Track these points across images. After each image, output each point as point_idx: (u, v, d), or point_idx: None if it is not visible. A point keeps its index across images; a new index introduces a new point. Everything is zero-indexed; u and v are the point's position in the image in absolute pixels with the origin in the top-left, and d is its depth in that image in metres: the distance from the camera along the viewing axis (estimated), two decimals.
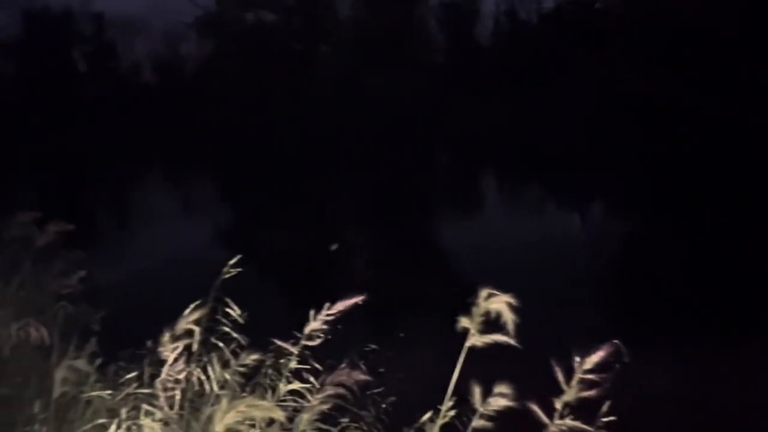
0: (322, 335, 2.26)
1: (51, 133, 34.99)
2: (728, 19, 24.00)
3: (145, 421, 2.10)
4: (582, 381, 1.92)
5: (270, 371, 2.51)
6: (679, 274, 9.45)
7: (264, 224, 15.81)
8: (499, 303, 2.22)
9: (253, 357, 2.46)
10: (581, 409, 1.96)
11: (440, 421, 2.11)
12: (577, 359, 2.00)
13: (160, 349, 2.40)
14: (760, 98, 21.12)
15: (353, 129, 32.54)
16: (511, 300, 2.20)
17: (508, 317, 2.21)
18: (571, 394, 1.91)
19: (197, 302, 2.31)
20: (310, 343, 2.26)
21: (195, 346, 2.26)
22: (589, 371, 1.93)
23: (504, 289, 2.28)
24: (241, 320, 2.40)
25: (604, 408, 1.90)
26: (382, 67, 37.95)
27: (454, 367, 2.27)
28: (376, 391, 2.99)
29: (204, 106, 38.03)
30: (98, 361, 3.44)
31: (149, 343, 3.84)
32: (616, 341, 1.89)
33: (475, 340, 2.17)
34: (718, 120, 22.16)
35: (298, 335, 2.33)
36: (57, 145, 33.15)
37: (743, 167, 17.93)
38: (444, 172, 25.85)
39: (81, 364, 3.50)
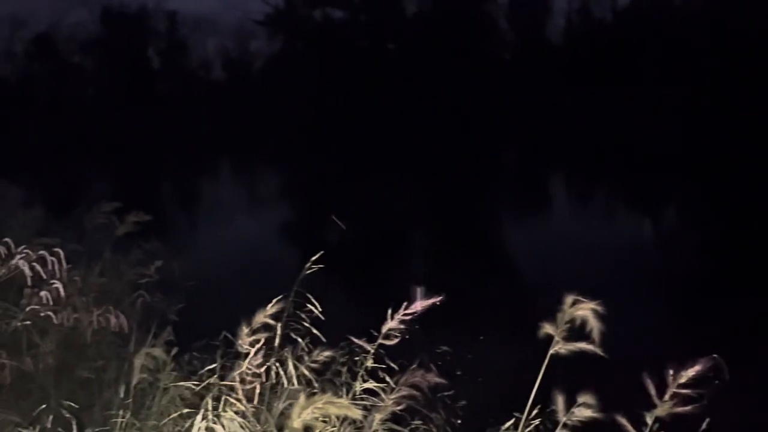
0: (398, 335, 2.22)
1: (128, 126, 36.37)
2: None
3: (226, 414, 2.12)
4: (676, 395, 1.82)
5: (345, 369, 2.49)
6: (761, 282, 8.98)
7: (333, 219, 15.93)
8: (584, 310, 2.13)
9: (328, 353, 2.45)
10: (674, 426, 1.86)
11: (521, 430, 2.05)
12: (671, 372, 1.89)
13: (239, 341, 2.42)
14: None
15: (423, 126, 32.48)
16: (598, 307, 2.11)
17: (594, 325, 2.13)
18: (664, 408, 1.81)
19: (278, 297, 2.31)
20: (387, 342, 2.23)
21: (277, 341, 2.27)
22: (685, 386, 1.82)
23: (581, 294, 2.19)
24: (321, 316, 2.39)
25: (704, 426, 1.78)
26: (451, 64, 37.70)
27: (534, 374, 2.20)
28: (447, 393, 2.94)
29: (273, 102, 38.76)
30: (174, 350, 3.52)
31: (223, 335, 3.92)
32: (715, 356, 1.78)
33: (560, 347, 2.09)
34: None
35: (375, 333, 2.31)
36: (134, 139, 34.45)
37: None
38: (518, 173, 25.48)
39: (158, 352, 3.60)
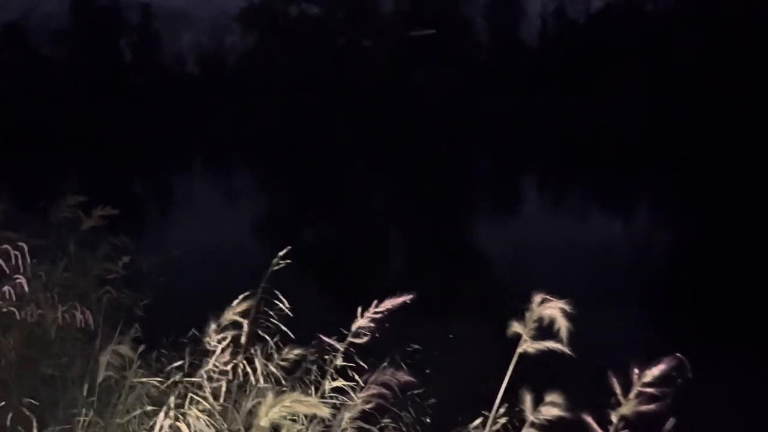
0: (368, 333, 2.21)
1: (98, 119, 35.76)
2: None
3: (191, 411, 2.08)
4: (641, 394, 1.84)
5: (314, 367, 2.47)
6: (730, 282, 9.16)
7: (306, 217, 15.90)
8: (553, 309, 2.15)
9: (297, 352, 2.43)
10: (639, 425, 1.88)
11: (489, 428, 2.05)
12: (636, 371, 1.92)
13: (207, 339, 2.38)
14: None
15: (396, 124, 32.50)
16: (566, 306, 2.13)
17: (562, 324, 2.14)
18: (628, 407, 1.82)
19: (245, 293, 2.28)
20: (357, 341, 2.22)
21: (243, 339, 2.24)
22: (649, 384, 1.84)
23: (552, 294, 2.21)
24: (289, 314, 2.37)
25: (668, 425, 1.81)
26: (427, 62, 37.80)
27: (501, 372, 2.21)
28: (417, 392, 2.93)
29: (247, 97, 38.44)
30: (141, 347, 3.46)
31: (192, 332, 3.87)
32: (678, 354, 1.80)
33: (527, 346, 2.10)
34: None
35: (344, 332, 2.30)
36: (102, 132, 33.87)
37: None
38: (489, 172, 25.63)
39: (124, 349, 3.54)
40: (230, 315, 2.40)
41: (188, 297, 5.53)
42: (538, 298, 2.14)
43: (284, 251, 2.31)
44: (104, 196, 5.62)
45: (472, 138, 32.41)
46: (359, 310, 2.23)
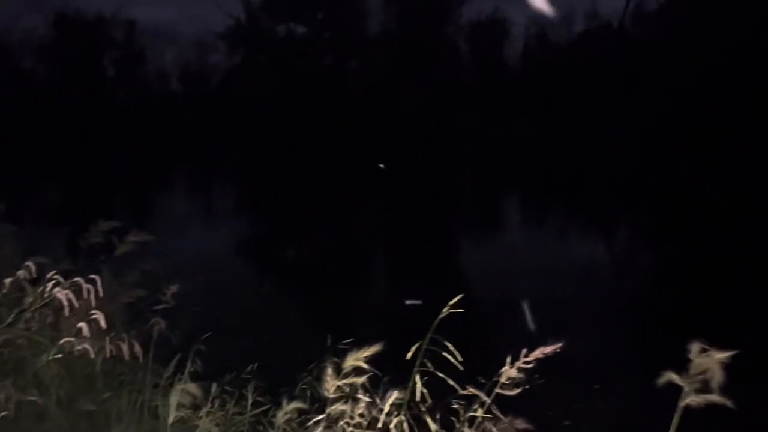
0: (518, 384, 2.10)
1: (81, 136, 35.25)
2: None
3: None
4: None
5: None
6: (712, 302, 9.23)
7: (289, 239, 15.74)
8: (712, 360, 2.07)
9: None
10: None
11: None
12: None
13: (326, 385, 2.26)
14: None
15: (381, 145, 32.54)
16: (727, 356, 2.05)
17: (718, 376, 2.07)
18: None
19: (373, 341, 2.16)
20: (506, 392, 2.11)
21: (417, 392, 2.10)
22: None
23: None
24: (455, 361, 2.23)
25: None
26: (412, 84, 38.02)
27: None
28: None
29: (232, 116, 38.24)
30: (214, 387, 3.31)
31: (253, 367, 3.72)
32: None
33: (692, 399, 2.01)
34: (748, 147, 21.93)
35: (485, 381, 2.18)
36: (87, 148, 33.37)
37: None
38: (471, 194, 25.72)
39: (193, 387, 3.38)
40: (352, 361, 2.28)
41: (226, 328, 5.35)
42: (696, 346, 2.06)
43: (454, 300, 2.19)
44: (98, 214, 5.50)
45: (454, 160, 32.60)
46: (508, 359, 2.12)
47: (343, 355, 2.26)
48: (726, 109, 24.65)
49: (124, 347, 4.18)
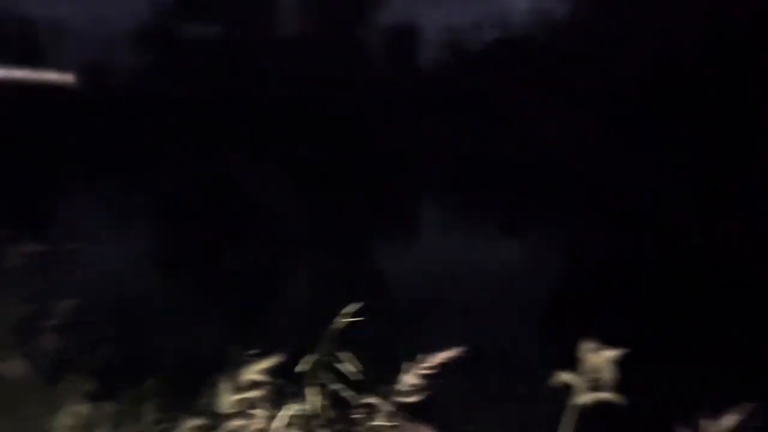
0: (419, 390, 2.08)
1: None
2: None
3: None
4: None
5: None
6: (626, 302, 9.68)
7: (205, 246, 15.28)
8: (602, 358, 2.13)
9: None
10: None
11: None
12: (705, 422, 1.92)
13: (222, 399, 2.17)
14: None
15: (301, 148, 32.22)
16: (617, 354, 2.11)
17: (610, 373, 2.13)
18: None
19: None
20: (406, 400, 2.08)
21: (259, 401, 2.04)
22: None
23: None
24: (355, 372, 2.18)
25: None
26: (327, 87, 37.89)
27: None
28: None
29: (136, 116, 36.81)
30: (111, 405, 3.12)
31: (151, 383, 3.54)
32: (750, 403, 1.83)
33: (583, 398, 2.06)
34: (657, 150, 23.05)
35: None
36: None
37: (689, 195, 18.61)
38: (394, 196, 25.86)
39: (86, 408, 3.18)
40: (249, 374, 2.20)
41: (125, 340, 5.08)
42: (588, 345, 2.11)
43: (352, 307, 2.14)
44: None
45: (365, 163, 32.73)
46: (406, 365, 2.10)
47: (246, 367, 2.18)
48: (636, 112, 25.83)
49: (11, 366, 3.90)
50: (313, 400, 2.06)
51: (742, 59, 21.37)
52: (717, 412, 1.87)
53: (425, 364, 2.09)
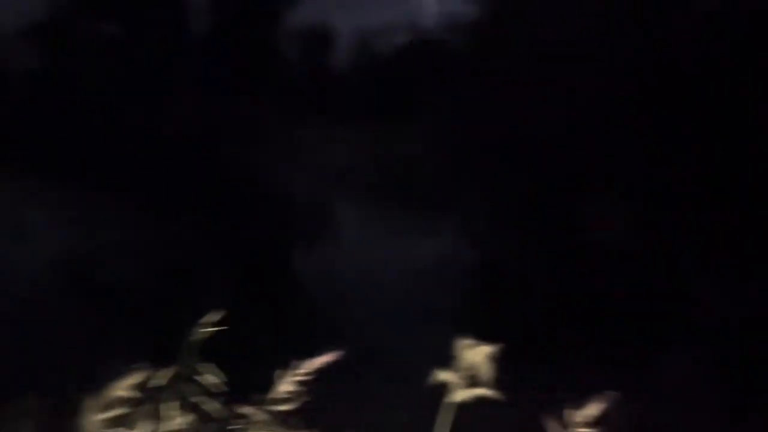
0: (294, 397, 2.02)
1: None
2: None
3: None
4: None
5: None
6: (542, 302, 9.96)
7: (107, 246, 14.61)
8: (480, 354, 2.15)
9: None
10: None
11: None
12: (569, 411, 1.97)
13: (89, 419, 2.04)
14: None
15: (205, 150, 31.41)
16: (493, 350, 2.14)
17: (487, 370, 2.16)
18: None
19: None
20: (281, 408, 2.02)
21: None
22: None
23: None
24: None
25: None
26: (233, 88, 37.17)
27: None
28: None
29: (33, 120, 34.82)
30: None
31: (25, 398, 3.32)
32: (613, 392, 1.89)
33: (459, 395, 2.07)
34: (563, 151, 23.88)
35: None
36: None
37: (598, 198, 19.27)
38: (305, 200, 25.57)
39: None
40: (117, 390, 2.08)
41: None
42: (465, 342, 2.13)
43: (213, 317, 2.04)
44: None
45: (283, 165, 32.33)
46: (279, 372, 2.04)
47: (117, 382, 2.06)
48: (543, 115, 26.63)
49: None
50: (170, 416, 1.97)
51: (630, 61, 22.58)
52: (581, 402, 1.93)
53: (302, 370, 2.04)
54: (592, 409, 1.90)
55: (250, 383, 2.23)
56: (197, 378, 1.98)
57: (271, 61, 41.12)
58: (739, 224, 14.25)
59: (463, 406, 2.12)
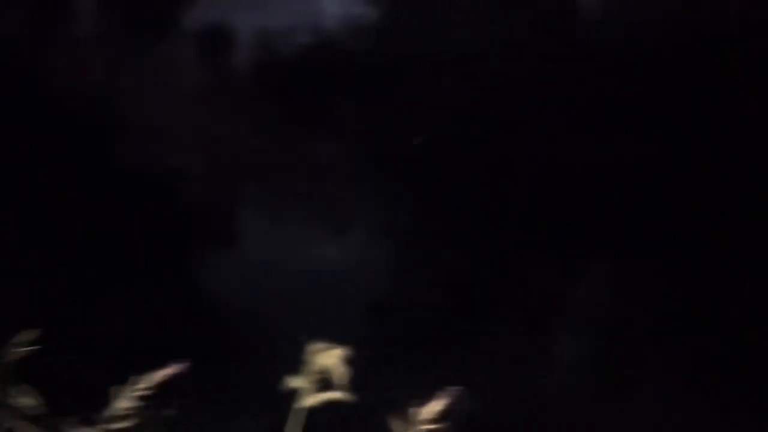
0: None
1: None
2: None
3: None
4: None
5: None
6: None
7: None
8: (332, 357, 2.15)
9: None
10: None
11: None
12: (414, 409, 2.01)
13: None
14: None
15: (98, 151, 29.61)
16: (346, 352, 2.14)
17: (342, 372, 2.15)
18: None
19: None
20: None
21: None
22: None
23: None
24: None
25: None
26: (127, 89, 35.50)
27: None
28: None
29: None
30: None
31: None
32: (457, 387, 1.94)
33: (310, 400, 2.05)
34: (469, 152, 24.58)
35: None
36: None
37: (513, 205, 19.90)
38: (202, 204, 24.62)
39: None
40: None
41: None
42: (316, 346, 2.12)
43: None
44: None
45: (175, 168, 31.09)
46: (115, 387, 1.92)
47: None
48: (447, 116, 27.34)
49: None
50: None
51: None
52: (426, 398, 1.97)
53: (142, 385, 1.94)
54: (436, 406, 1.94)
55: (93, 401, 2.10)
56: (11, 402, 1.82)
57: (166, 61, 39.73)
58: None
59: (314, 411, 2.10)
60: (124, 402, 1.89)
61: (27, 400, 1.82)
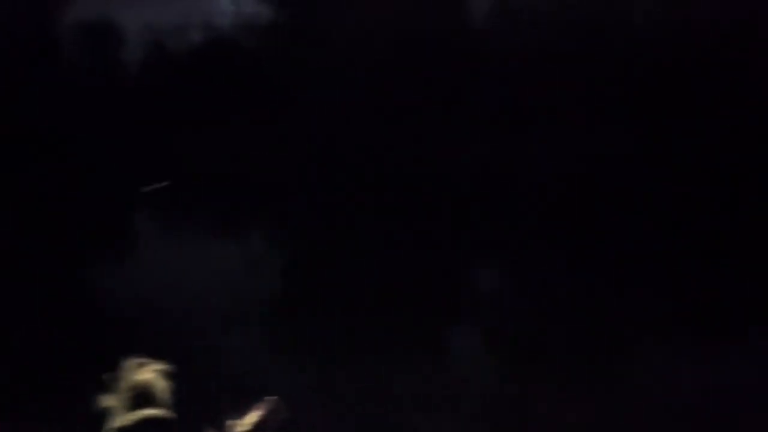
0: None
1: None
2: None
3: None
4: None
5: None
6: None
7: None
8: (150, 373, 2.09)
9: None
10: None
11: None
12: (231, 421, 2.01)
13: None
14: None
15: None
16: (165, 367, 2.09)
17: (162, 387, 2.10)
18: None
19: None
20: None
21: None
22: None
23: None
24: None
25: None
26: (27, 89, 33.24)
27: None
28: None
29: None
30: None
31: None
32: (273, 397, 1.97)
33: (123, 419, 1.99)
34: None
35: None
36: None
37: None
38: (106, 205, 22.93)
39: None
40: None
41: None
42: (133, 362, 2.06)
43: None
44: None
45: (78, 170, 28.92)
46: None
47: None
48: (341, 114, 27.02)
49: None
50: None
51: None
52: (242, 409, 1.98)
53: None
54: (252, 416, 1.96)
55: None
56: None
57: (55, 59, 36.96)
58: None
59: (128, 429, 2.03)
60: None
61: None
